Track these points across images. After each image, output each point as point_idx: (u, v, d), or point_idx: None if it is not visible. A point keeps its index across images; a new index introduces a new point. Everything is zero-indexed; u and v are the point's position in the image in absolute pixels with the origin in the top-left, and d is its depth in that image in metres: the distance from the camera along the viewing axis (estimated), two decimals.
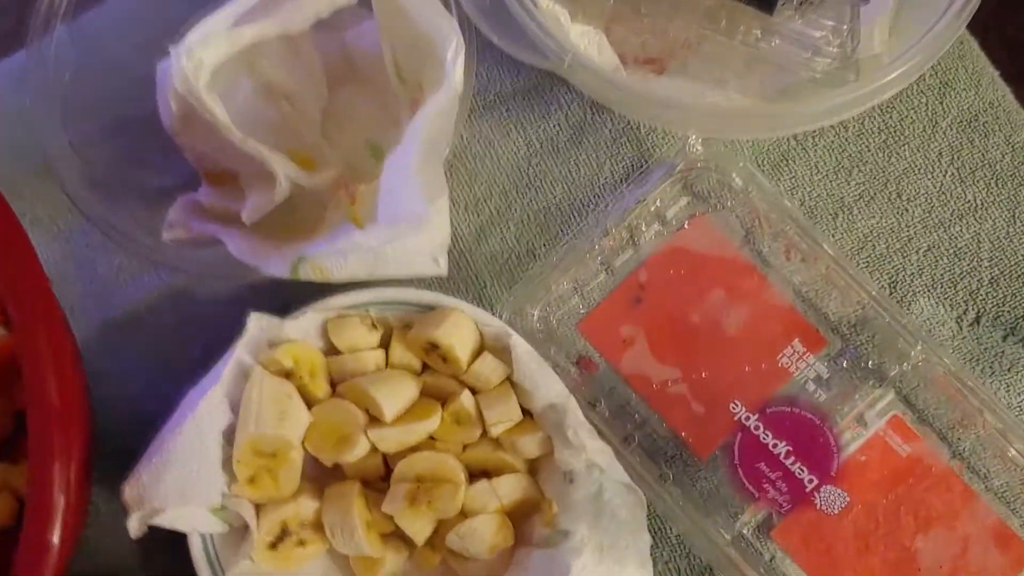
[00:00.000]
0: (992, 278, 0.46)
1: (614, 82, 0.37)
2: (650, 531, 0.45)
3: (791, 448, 0.40)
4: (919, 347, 0.41)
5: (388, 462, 0.42)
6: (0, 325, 0.41)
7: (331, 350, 0.42)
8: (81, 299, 0.48)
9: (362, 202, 0.40)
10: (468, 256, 0.47)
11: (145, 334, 0.47)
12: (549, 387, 0.39)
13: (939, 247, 0.46)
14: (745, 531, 0.43)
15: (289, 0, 0.41)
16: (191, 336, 0.47)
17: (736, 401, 0.41)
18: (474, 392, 0.42)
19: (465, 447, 0.42)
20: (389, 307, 0.41)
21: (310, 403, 0.41)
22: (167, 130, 0.41)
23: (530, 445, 0.41)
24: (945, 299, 0.46)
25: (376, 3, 0.41)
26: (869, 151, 0.47)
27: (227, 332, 0.47)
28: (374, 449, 0.41)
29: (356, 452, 0.40)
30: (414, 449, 0.41)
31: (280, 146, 0.43)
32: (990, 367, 0.45)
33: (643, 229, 0.45)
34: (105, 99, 0.46)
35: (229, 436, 0.39)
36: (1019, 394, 0.45)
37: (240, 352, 0.39)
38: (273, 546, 0.40)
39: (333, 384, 0.42)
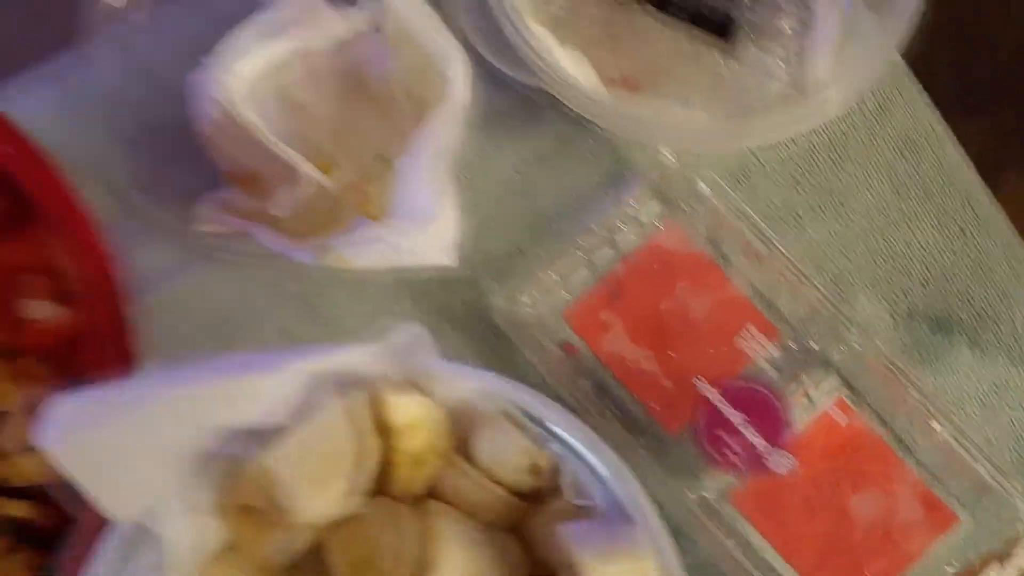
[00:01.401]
0: (923, 279, 0.53)
1: (593, 98, 0.43)
2: None
3: (747, 418, 0.46)
4: (855, 333, 0.48)
5: None
6: (53, 302, 0.47)
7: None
8: None
9: (375, 201, 0.46)
10: (466, 255, 0.53)
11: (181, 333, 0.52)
12: None
13: (877, 251, 0.53)
14: (707, 495, 0.49)
15: (312, 22, 0.47)
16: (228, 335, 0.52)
17: (700, 377, 0.47)
18: None
19: None
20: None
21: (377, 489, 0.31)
22: (201, 135, 0.47)
23: None
24: (883, 296, 0.52)
25: (390, 29, 0.47)
26: (817, 167, 0.53)
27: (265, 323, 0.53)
28: None
29: None
30: None
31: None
32: (919, 356, 0.52)
33: (621, 230, 0.51)
34: (141, 105, 0.51)
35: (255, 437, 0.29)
36: (944, 378, 0.52)
37: (347, 359, 0.31)
38: None
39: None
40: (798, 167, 0.53)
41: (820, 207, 0.53)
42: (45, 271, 0.46)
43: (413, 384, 0.31)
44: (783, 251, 0.48)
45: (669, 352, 0.48)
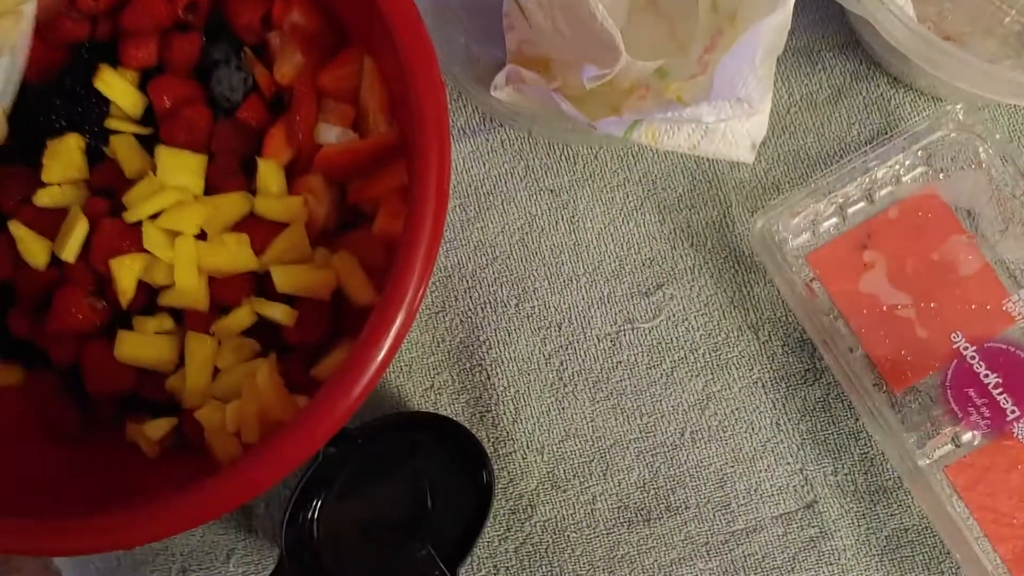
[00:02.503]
0: None
1: (920, 32, 0.43)
2: (836, 444, 0.50)
3: (1001, 381, 0.46)
4: None
5: None
6: (348, 129, 0.48)
7: None
8: None
9: (683, 92, 0.46)
10: (720, 178, 0.54)
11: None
12: None
13: None
14: (925, 460, 0.48)
15: None
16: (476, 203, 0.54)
17: (958, 332, 0.47)
18: None
19: None
20: None
21: None
22: (508, 12, 0.48)
23: None
24: None
25: None
26: None
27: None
28: None
29: None
30: None
31: None
32: None
33: (878, 188, 0.51)
34: None
35: None
36: None
37: None
38: None
39: None
40: None
41: None
42: (350, 99, 0.48)
43: None
44: None
45: (930, 301, 0.47)
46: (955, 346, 0.47)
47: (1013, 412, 0.46)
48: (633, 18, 0.54)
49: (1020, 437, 0.46)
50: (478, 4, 0.51)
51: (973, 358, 0.46)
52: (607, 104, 0.50)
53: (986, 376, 0.46)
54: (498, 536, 0.51)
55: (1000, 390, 0.46)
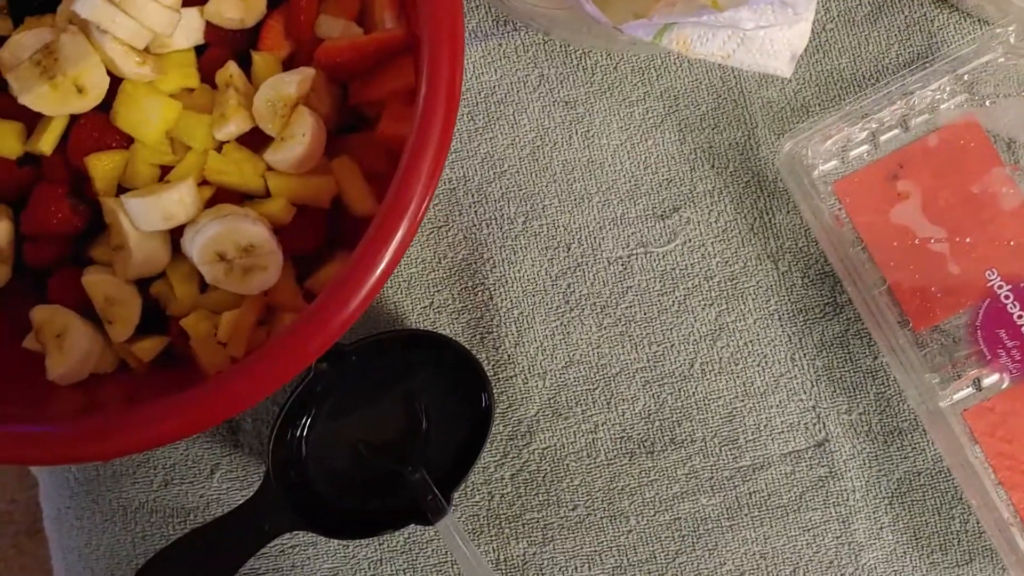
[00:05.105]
0: None
1: None
2: (852, 382, 0.48)
3: None
4: None
5: None
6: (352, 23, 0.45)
7: None
8: None
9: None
10: (746, 97, 0.50)
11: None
12: None
13: None
14: (945, 402, 0.46)
15: None
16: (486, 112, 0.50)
17: (993, 270, 0.44)
18: None
19: None
20: None
21: None
22: None
23: None
24: None
25: None
26: None
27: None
28: None
29: None
30: None
31: None
32: None
33: (915, 115, 0.48)
34: None
35: None
36: None
37: None
38: None
39: None
40: None
41: None
42: None
43: None
44: None
45: (965, 237, 0.45)
46: (989, 284, 0.44)
47: None
48: None
49: None
50: None
51: (1008, 297, 0.44)
52: (630, 10, 0.47)
53: (1020, 317, 0.44)
54: (494, 462, 0.49)
55: None
